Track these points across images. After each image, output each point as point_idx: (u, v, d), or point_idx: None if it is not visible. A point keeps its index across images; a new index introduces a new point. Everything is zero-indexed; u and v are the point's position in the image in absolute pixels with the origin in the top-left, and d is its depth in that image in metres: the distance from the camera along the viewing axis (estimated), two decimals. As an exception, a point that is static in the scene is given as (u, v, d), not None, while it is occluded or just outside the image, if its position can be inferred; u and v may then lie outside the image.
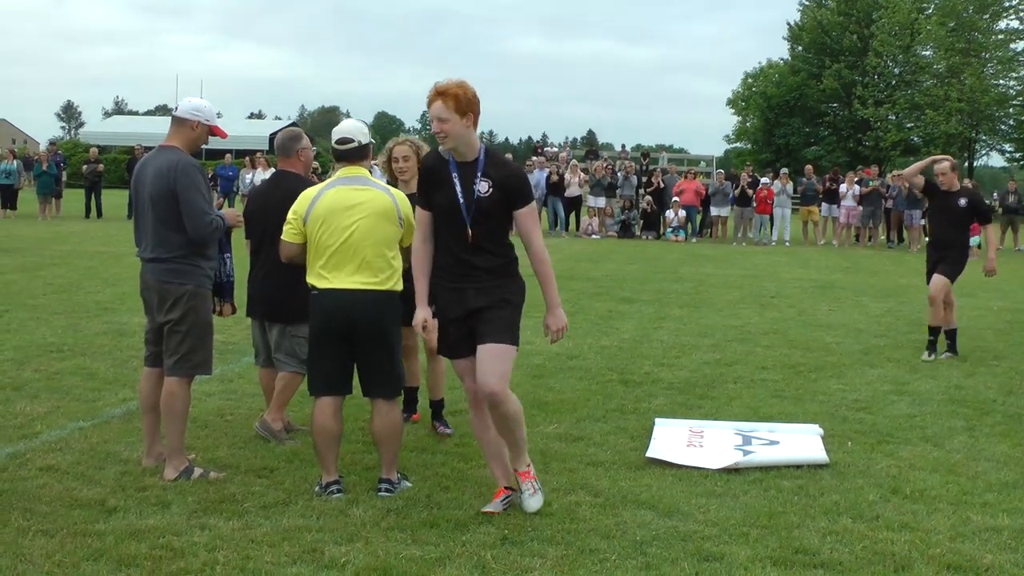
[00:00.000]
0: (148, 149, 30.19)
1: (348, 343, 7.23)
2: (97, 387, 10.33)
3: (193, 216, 7.43)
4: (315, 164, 39.41)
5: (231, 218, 8.05)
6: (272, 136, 68.40)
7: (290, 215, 7.41)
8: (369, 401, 7.50)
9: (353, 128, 7.55)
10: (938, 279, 13.61)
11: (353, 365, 7.38)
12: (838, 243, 35.27)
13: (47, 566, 5.89)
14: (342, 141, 7.44)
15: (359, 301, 7.14)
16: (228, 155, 40.86)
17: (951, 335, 13.75)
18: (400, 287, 7.35)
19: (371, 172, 7.66)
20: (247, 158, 40.01)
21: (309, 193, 7.42)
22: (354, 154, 7.45)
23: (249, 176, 36.72)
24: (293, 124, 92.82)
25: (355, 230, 7.16)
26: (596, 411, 9.96)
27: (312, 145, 9.12)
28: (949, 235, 13.81)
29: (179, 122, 7.76)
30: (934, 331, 13.64)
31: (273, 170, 31.83)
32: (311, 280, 7.27)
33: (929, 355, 13.39)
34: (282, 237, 7.47)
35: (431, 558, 6.15)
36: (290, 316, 8.53)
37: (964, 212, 13.68)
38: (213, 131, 7.83)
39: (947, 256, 13.72)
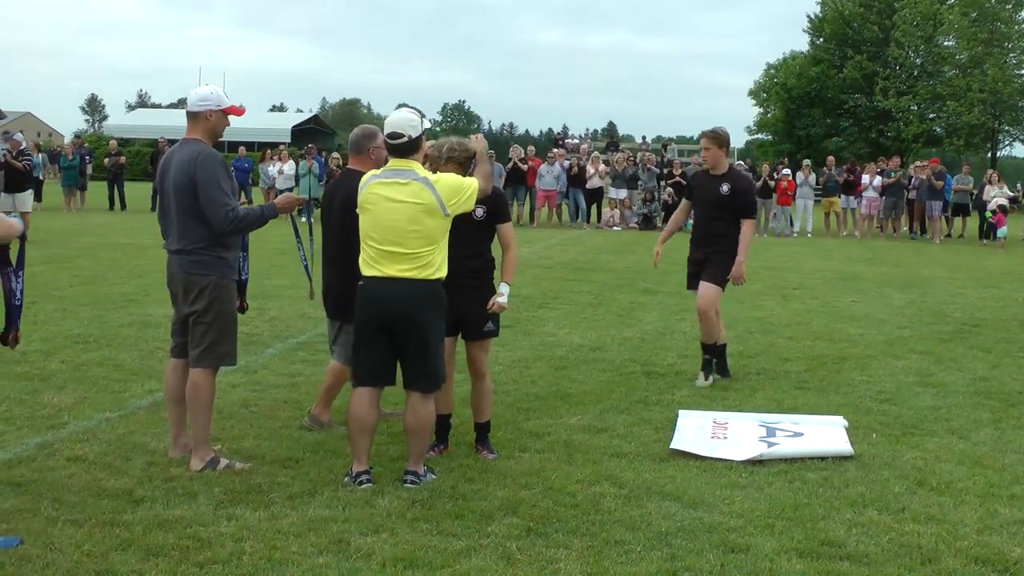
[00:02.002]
0: (172, 142, 30.30)
1: (390, 334, 7.27)
2: (123, 378, 10.37)
3: (212, 208, 7.45)
4: (337, 157, 39.19)
5: (285, 203, 8.11)
6: (295, 128, 68.18)
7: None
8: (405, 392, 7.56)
9: (403, 122, 7.38)
10: (705, 288, 11.03)
11: (396, 356, 7.41)
12: (860, 234, 35.15)
13: (76, 555, 5.93)
14: (393, 136, 7.36)
15: (402, 291, 7.17)
16: (242, 148, 40.85)
17: (720, 351, 11.36)
18: (443, 277, 7.39)
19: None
20: (267, 151, 40.06)
21: (361, 181, 7.48)
22: (404, 148, 7.36)
23: (271, 169, 36.81)
24: (315, 116, 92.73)
25: (397, 224, 7.19)
26: (619, 402, 9.96)
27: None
28: (711, 229, 11.12)
29: (193, 116, 7.75)
30: (709, 349, 11.18)
31: (291, 162, 31.65)
32: (361, 268, 7.34)
33: (706, 379, 10.99)
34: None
35: (456, 549, 6.17)
36: (349, 314, 8.59)
37: (726, 201, 10.97)
38: (229, 112, 7.82)
39: (712, 257, 11.07)
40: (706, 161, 11.23)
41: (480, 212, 7.94)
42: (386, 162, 8.08)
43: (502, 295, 7.98)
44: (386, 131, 7.44)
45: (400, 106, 8.10)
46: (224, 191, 7.50)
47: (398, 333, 7.26)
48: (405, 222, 7.19)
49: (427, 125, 7.82)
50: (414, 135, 7.36)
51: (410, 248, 7.19)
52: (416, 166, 7.40)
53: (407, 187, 7.25)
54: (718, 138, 10.99)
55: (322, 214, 8.99)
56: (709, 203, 11.08)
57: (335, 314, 8.83)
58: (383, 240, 7.20)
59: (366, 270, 7.28)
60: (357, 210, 7.39)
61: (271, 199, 35.71)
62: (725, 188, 10.91)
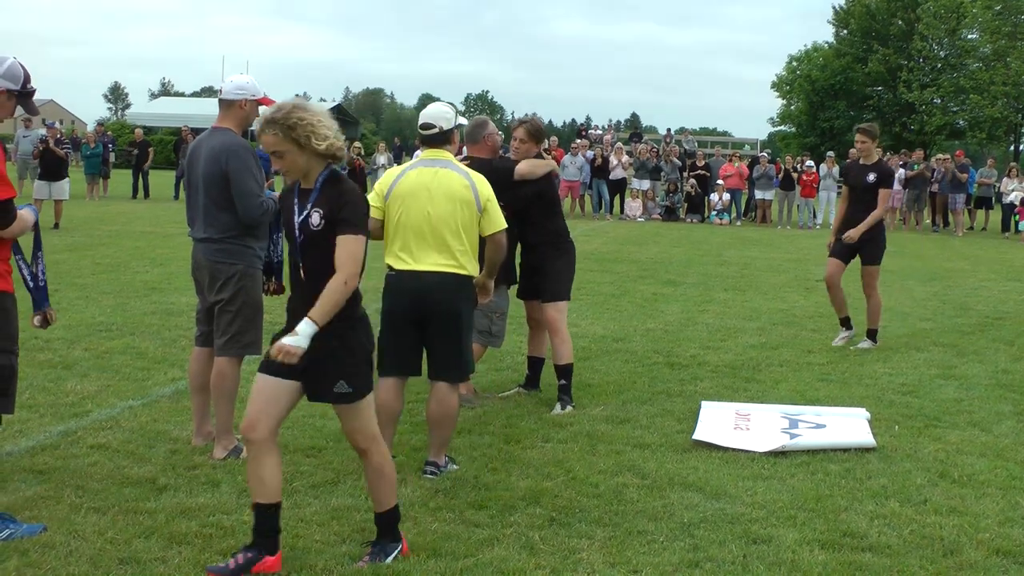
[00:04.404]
0: (195, 130, 30.18)
1: (420, 325, 7.31)
2: (146, 366, 10.40)
3: (244, 198, 7.47)
4: (358, 146, 39.09)
5: None
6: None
7: (373, 191, 7.51)
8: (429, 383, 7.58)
9: (436, 114, 7.59)
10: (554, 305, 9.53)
11: (422, 347, 7.44)
12: (883, 227, 35.01)
13: (99, 543, 5.96)
14: (424, 127, 7.55)
15: (436, 284, 7.21)
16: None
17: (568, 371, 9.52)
18: (476, 272, 7.45)
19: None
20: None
21: (393, 172, 7.55)
22: (436, 139, 7.53)
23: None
24: (338, 105, 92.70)
25: (433, 212, 7.25)
26: (642, 393, 9.96)
27: (493, 131, 9.22)
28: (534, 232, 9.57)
29: (227, 104, 7.77)
30: (565, 371, 9.52)
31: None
32: (388, 260, 7.35)
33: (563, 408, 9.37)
34: None
35: (479, 538, 6.19)
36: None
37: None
38: (262, 103, 7.83)
39: (546, 265, 9.59)
40: (512, 151, 9.62)
41: None
42: (500, 148, 8.19)
43: (296, 334, 5.50)
44: (419, 122, 7.60)
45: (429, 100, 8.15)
46: (257, 181, 7.53)
47: (431, 324, 7.30)
48: (444, 212, 7.27)
49: (462, 121, 7.88)
50: (445, 127, 7.54)
51: (445, 239, 7.25)
52: (451, 157, 7.55)
53: (445, 176, 7.37)
54: (538, 132, 9.61)
55: None
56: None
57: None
58: (419, 230, 7.24)
59: (397, 263, 7.29)
60: (387, 200, 7.39)
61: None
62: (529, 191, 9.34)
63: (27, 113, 6.55)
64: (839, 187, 36.46)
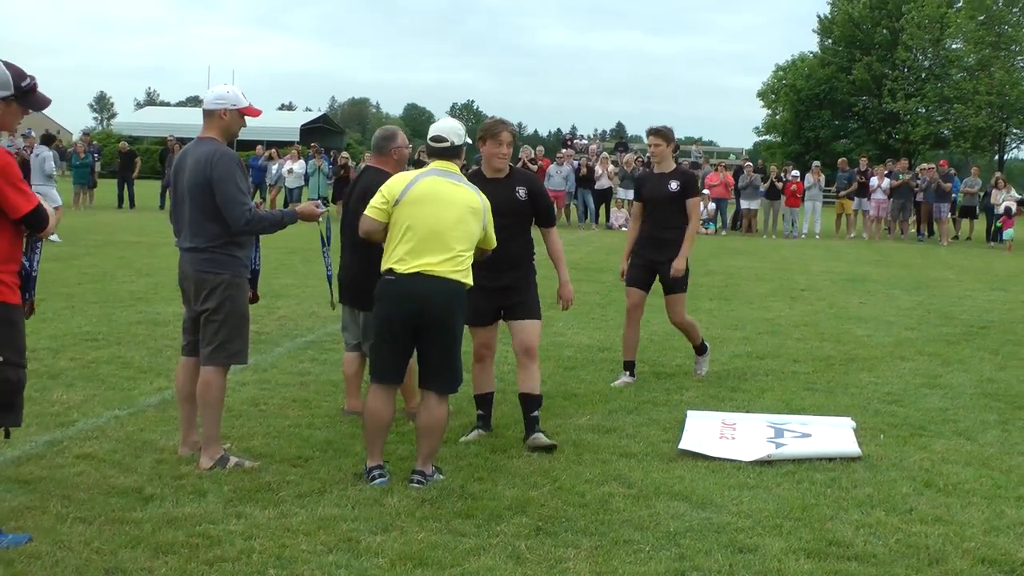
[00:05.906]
0: (181, 140, 30.12)
1: (416, 332, 7.34)
2: (132, 376, 10.38)
3: (229, 206, 7.46)
4: (346, 156, 39.12)
5: (307, 212, 8.07)
6: (304, 127, 68.42)
7: (380, 193, 7.52)
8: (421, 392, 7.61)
9: (448, 128, 7.75)
10: (532, 326, 9.04)
11: (413, 354, 7.49)
12: (868, 236, 35.15)
13: (85, 553, 5.94)
14: (436, 139, 7.67)
15: (439, 289, 7.26)
16: (259, 146, 40.87)
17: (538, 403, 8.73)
18: (471, 284, 7.51)
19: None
20: (273, 150, 40.21)
21: (405, 177, 7.57)
22: (446, 152, 7.65)
23: (275, 167, 36.89)
24: (324, 115, 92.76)
25: (448, 221, 7.33)
26: (628, 403, 9.97)
27: (407, 142, 9.33)
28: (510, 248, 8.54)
29: (208, 114, 7.78)
30: (537, 401, 8.76)
31: (302, 161, 31.76)
32: (391, 264, 7.33)
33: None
34: (366, 212, 7.55)
35: (466, 548, 6.19)
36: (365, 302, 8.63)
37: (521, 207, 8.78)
38: (245, 112, 7.84)
39: (518, 285, 9.06)
40: (495, 160, 8.61)
41: None
42: (407, 162, 8.28)
43: None
44: (429, 135, 7.74)
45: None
46: (241, 190, 7.52)
47: (428, 331, 7.33)
48: (454, 220, 7.36)
49: (468, 140, 7.99)
50: (457, 142, 7.69)
51: (452, 246, 7.32)
52: (459, 171, 7.69)
53: (459, 188, 7.51)
54: (513, 132, 8.64)
55: (343, 205, 9.29)
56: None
57: (352, 301, 9.10)
58: (431, 236, 7.28)
59: (401, 267, 7.28)
60: (397, 205, 7.38)
61: (274, 196, 36.06)
62: (522, 193, 8.75)
63: (35, 110, 6.52)
64: (827, 197, 36.75)
